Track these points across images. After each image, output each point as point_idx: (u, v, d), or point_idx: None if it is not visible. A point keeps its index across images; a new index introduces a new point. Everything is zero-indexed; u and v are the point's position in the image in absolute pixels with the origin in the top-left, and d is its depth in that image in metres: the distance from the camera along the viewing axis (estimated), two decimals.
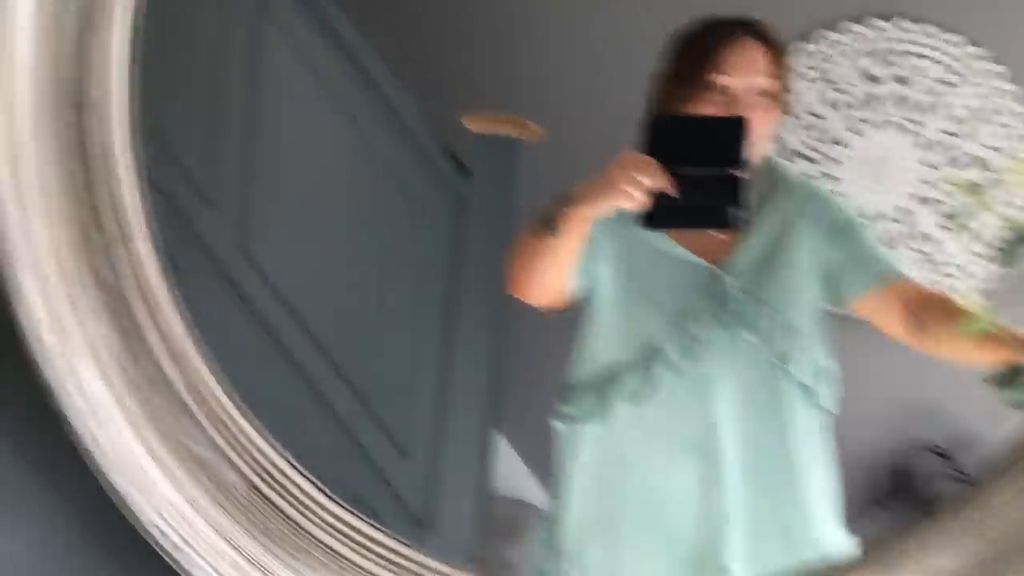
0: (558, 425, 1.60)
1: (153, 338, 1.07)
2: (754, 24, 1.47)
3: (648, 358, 1.45)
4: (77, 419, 1.06)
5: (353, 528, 1.22)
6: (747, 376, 1.45)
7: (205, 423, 1.12)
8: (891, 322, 1.55)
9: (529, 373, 2.73)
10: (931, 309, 1.49)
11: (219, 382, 1.15)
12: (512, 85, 2.92)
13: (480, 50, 2.99)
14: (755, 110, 1.41)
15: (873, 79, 2.82)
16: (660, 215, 1.25)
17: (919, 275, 2.80)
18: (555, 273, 1.43)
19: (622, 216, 1.43)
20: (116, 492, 1.11)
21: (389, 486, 2.18)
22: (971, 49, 2.71)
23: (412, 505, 2.17)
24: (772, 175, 1.57)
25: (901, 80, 2.78)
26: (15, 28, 0.94)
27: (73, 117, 0.99)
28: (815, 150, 2.93)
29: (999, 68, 2.70)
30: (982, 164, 2.74)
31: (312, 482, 1.22)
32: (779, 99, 1.51)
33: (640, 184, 1.21)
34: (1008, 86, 2.70)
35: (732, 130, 1.24)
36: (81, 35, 0.97)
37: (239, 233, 2.24)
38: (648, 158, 1.23)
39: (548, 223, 1.37)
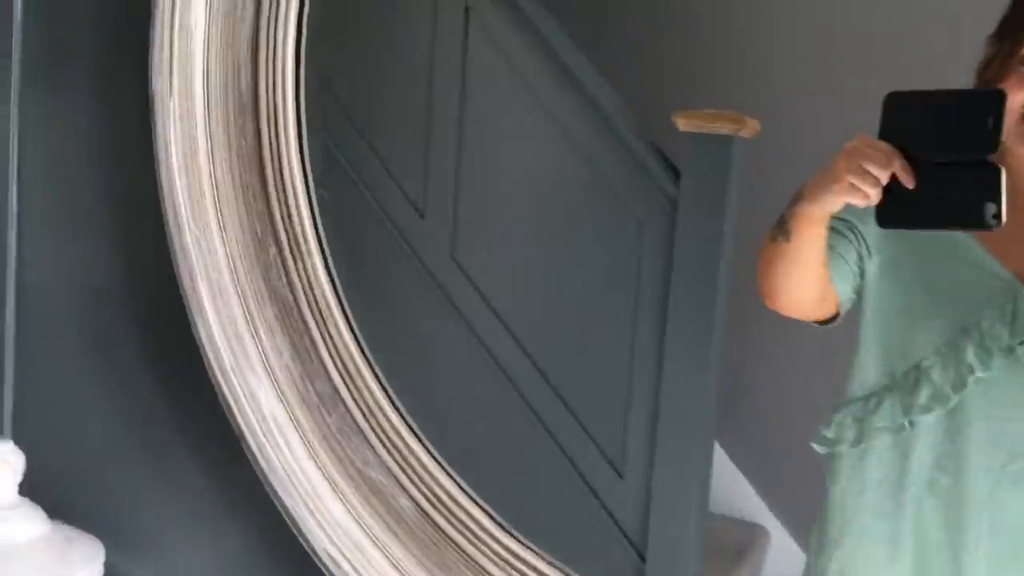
0: (817, 447, 1.39)
1: (326, 355, 1.04)
2: None
3: (913, 385, 1.26)
4: (251, 437, 1.04)
5: (526, 563, 1.13)
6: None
7: (377, 445, 1.08)
8: None
9: (750, 383, 2.59)
10: None
11: (392, 403, 1.09)
12: (725, 78, 2.80)
13: (693, 42, 2.88)
14: None
15: None
16: (898, 211, 1.03)
17: None
18: (800, 281, 1.22)
19: None
20: (290, 515, 1.08)
21: (604, 508, 2.10)
22: None
23: (628, 528, 2.08)
24: None
25: None
26: (191, 33, 0.93)
27: (249, 125, 0.97)
28: None
29: None
30: None
31: (486, 512, 1.14)
32: None
33: (870, 175, 0.99)
34: None
35: (987, 107, 0.98)
36: (255, 40, 0.95)
37: (450, 243, 2.24)
38: (883, 143, 1.01)
39: (780, 225, 1.18)
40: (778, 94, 2.66)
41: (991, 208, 0.97)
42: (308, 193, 1.04)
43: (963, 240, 1.22)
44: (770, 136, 2.02)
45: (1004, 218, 0.97)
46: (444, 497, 1.09)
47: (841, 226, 1.25)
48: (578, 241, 2.15)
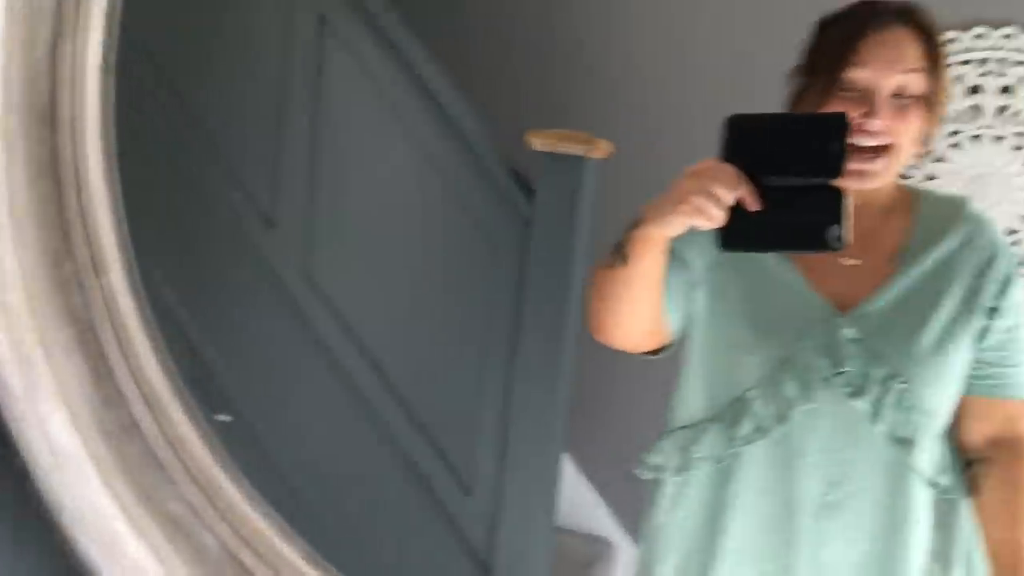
0: (642, 474, 1.37)
1: (126, 382, 0.96)
2: (909, 9, 1.16)
3: (735, 416, 1.24)
4: (42, 469, 0.95)
5: None
6: (852, 452, 1.20)
7: (181, 479, 1.01)
8: (969, 432, 1.25)
9: (602, 398, 2.63)
10: (1004, 457, 1.22)
11: (199, 432, 1.02)
12: (579, 99, 2.84)
13: (547, 65, 2.92)
14: (895, 113, 1.12)
15: (975, 90, 2.63)
16: (741, 234, 1.00)
17: None
18: (635, 309, 1.17)
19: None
20: (85, 556, 0.98)
21: (452, 523, 2.09)
22: None
23: (475, 544, 2.07)
24: (921, 196, 1.26)
25: (1006, 90, 2.59)
26: None
27: (45, 135, 0.89)
28: (911, 167, 2.75)
29: None
30: None
31: (298, 550, 1.08)
32: (929, 103, 1.15)
33: (717, 197, 0.97)
34: None
35: (832, 131, 0.97)
36: (55, 44, 0.87)
37: (302, 255, 2.19)
38: (728, 166, 0.99)
39: (617, 250, 1.13)
40: (631, 116, 2.72)
41: (835, 230, 0.97)
42: (114, 207, 0.96)
43: (785, 269, 1.21)
44: (622, 157, 2.06)
45: (848, 240, 0.97)
46: (251, 535, 1.03)
47: (671, 255, 1.20)
48: (432, 257, 2.14)
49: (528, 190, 2.01)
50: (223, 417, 2.23)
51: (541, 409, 2.02)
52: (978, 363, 1.21)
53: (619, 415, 2.63)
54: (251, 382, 2.23)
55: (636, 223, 1.09)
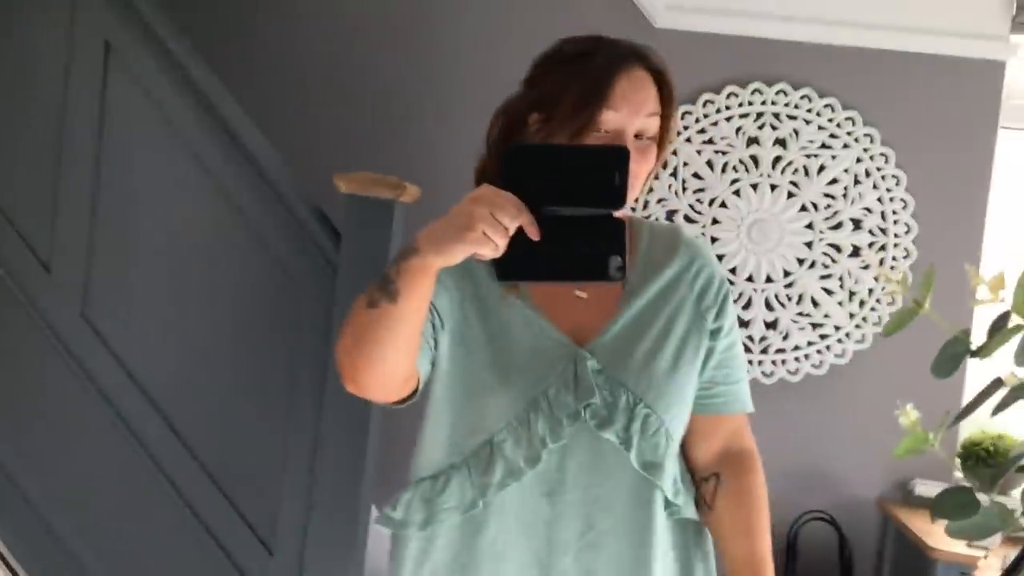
0: (383, 528, 1.29)
1: None
2: (645, 52, 1.18)
3: (485, 462, 1.19)
4: None
5: None
6: (604, 486, 1.20)
7: None
8: (699, 451, 1.29)
9: (411, 447, 2.58)
10: (732, 471, 1.28)
11: None
12: (386, 141, 2.82)
13: (352, 107, 2.87)
14: (636, 154, 1.12)
15: (753, 142, 2.82)
16: (520, 264, 0.97)
17: (800, 338, 2.79)
18: (396, 352, 1.08)
19: (467, 270, 1.17)
20: None
21: None
22: (847, 113, 2.75)
23: None
24: (643, 227, 1.30)
25: (781, 142, 2.79)
26: None
27: None
28: (696, 211, 2.90)
29: (873, 131, 2.74)
30: (859, 226, 2.77)
31: None
32: (661, 145, 1.18)
33: (498, 225, 0.93)
34: (882, 148, 2.74)
35: (613, 163, 0.96)
36: None
37: (81, 303, 2.01)
38: (508, 194, 0.94)
39: (384, 286, 1.04)
40: (440, 160, 2.71)
41: (616, 261, 0.96)
42: None
43: (524, 307, 1.20)
44: (431, 201, 2.04)
45: (626, 271, 0.97)
46: None
47: None
48: (231, 302, 2.02)
49: (335, 234, 1.94)
50: None
51: (348, 462, 1.94)
52: (705, 383, 1.27)
53: None
54: (25, 441, 2.02)
55: (406, 255, 1.02)
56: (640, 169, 1.16)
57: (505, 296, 1.20)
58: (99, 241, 2.01)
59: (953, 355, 0.69)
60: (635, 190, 1.18)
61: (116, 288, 2.04)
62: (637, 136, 1.15)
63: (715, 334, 1.25)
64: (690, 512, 1.25)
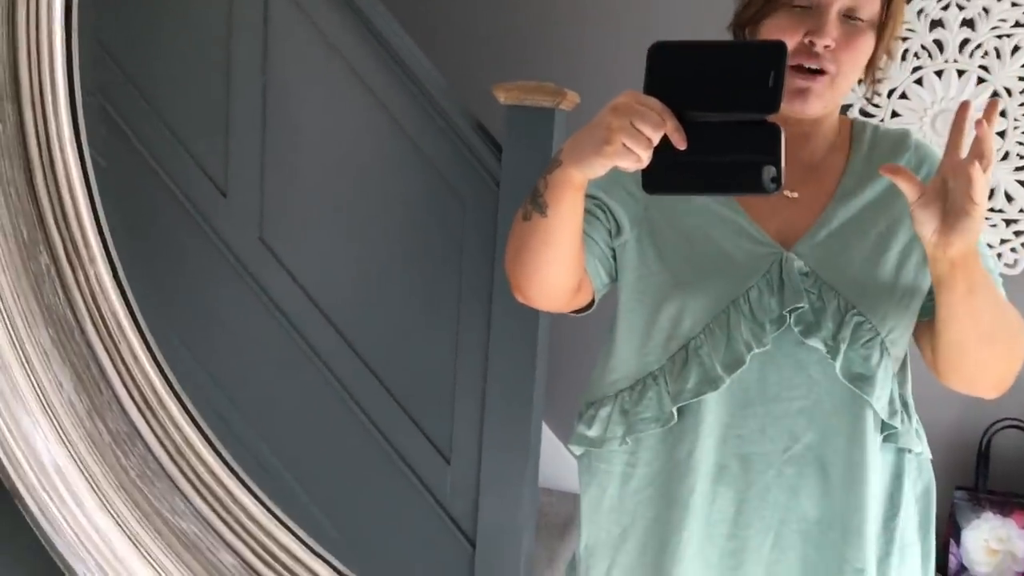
0: (575, 449, 1.25)
1: (119, 386, 0.86)
2: None
3: (680, 368, 1.13)
4: (27, 492, 0.84)
5: None
6: (809, 398, 1.12)
7: (189, 490, 0.92)
8: (925, 355, 1.18)
9: (578, 358, 2.58)
10: None
11: (205, 439, 0.93)
12: (545, 50, 2.76)
13: (507, 16, 2.82)
14: (843, 36, 1.04)
15: (938, 24, 2.60)
16: (666, 175, 0.91)
17: (992, 236, 2.60)
18: (557, 264, 1.06)
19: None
20: None
21: (433, 495, 2.03)
22: None
23: (457, 514, 2.02)
24: (866, 129, 1.18)
25: (968, 23, 2.56)
26: None
27: (9, 109, 0.78)
28: (874, 104, 2.72)
29: None
30: None
31: (328, 563, 0.99)
32: (880, 30, 1.07)
33: (643, 136, 0.87)
34: None
35: (767, 62, 0.87)
36: (10, 9, 0.76)
37: (258, 225, 2.09)
38: (652, 99, 0.88)
39: (534, 199, 1.02)
40: (596, 67, 2.64)
41: (770, 171, 0.88)
42: (89, 192, 0.85)
43: (724, 203, 1.13)
44: (591, 109, 1.98)
45: (783, 182, 0.89)
46: (276, 549, 0.94)
47: (588, 203, 1.11)
48: (398, 220, 2.04)
49: (496, 146, 1.92)
50: None
51: (517, 373, 1.96)
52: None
53: (589, 374, 2.58)
54: (213, 361, 2.13)
55: (551, 167, 1.00)
56: (847, 54, 1.06)
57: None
58: (270, 165, 2.07)
59: None
60: (844, 81, 1.08)
61: (289, 211, 2.10)
62: (848, 16, 1.06)
63: None
64: (911, 442, 1.15)
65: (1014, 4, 2.53)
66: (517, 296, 1.14)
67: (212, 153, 2.09)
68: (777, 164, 0.88)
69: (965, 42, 2.56)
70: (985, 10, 2.54)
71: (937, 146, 2.62)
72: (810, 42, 1.04)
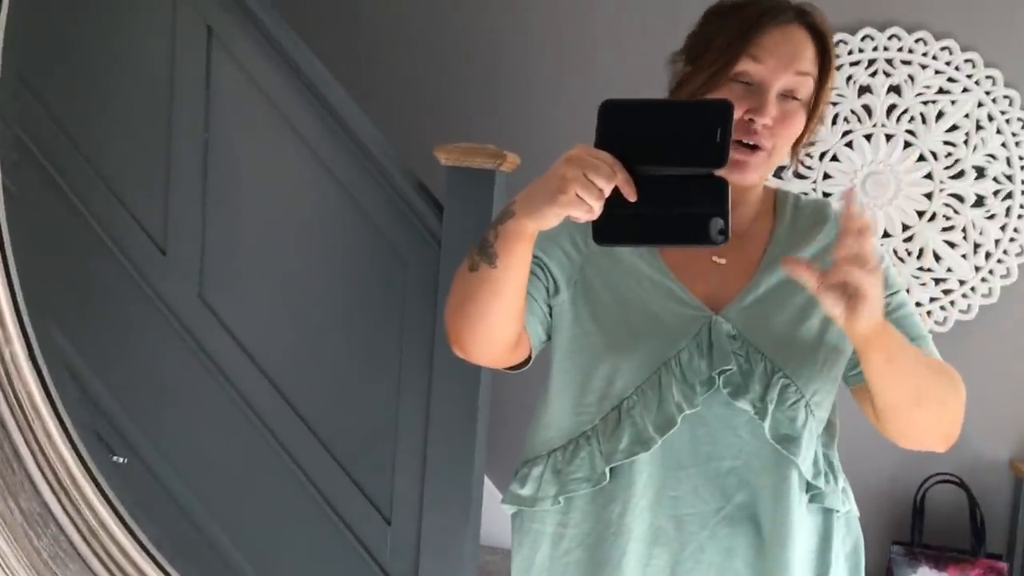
0: (508, 508, 1.24)
1: (32, 466, 0.84)
2: (808, 10, 1.12)
3: (612, 428, 1.14)
4: None
5: None
6: (739, 458, 1.14)
7: (100, 570, 0.89)
8: (869, 415, 1.18)
9: (520, 414, 2.58)
10: None
11: (119, 518, 0.91)
12: (487, 113, 2.80)
13: (450, 79, 2.86)
14: (780, 114, 1.09)
15: (865, 90, 2.70)
16: (617, 226, 0.92)
17: (922, 295, 2.67)
18: (501, 316, 1.07)
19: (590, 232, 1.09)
20: None
21: (374, 556, 2.00)
22: (966, 55, 2.60)
23: (397, 575, 2.00)
24: (788, 199, 1.23)
25: (895, 89, 2.66)
26: None
27: None
28: (806, 166, 2.80)
29: (995, 72, 2.59)
30: (982, 174, 2.62)
31: None
32: (811, 108, 1.13)
33: (592, 186, 0.89)
34: (1005, 91, 2.58)
35: (715, 119, 0.90)
36: None
37: (197, 283, 2.07)
38: (605, 154, 0.91)
39: (483, 249, 1.03)
40: (538, 127, 2.68)
41: (717, 223, 0.91)
42: (7, 271, 0.83)
43: (655, 268, 1.15)
44: (531, 170, 2.01)
45: (730, 234, 0.91)
46: None
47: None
48: (338, 279, 2.05)
49: (438, 207, 1.94)
50: (118, 459, 2.09)
51: (459, 431, 1.96)
52: None
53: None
54: (149, 421, 2.10)
55: (503, 217, 1.00)
56: (783, 131, 1.09)
57: (633, 259, 1.15)
58: (211, 223, 2.06)
59: None
60: (777, 155, 1.11)
61: (229, 268, 2.09)
62: (785, 96, 1.09)
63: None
64: (836, 502, 1.16)
65: (937, 72, 2.63)
66: (455, 350, 1.14)
67: (151, 209, 2.07)
68: (725, 216, 0.91)
69: (892, 107, 2.66)
70: (911, 77, 2.65)
71: (869, 208, 2.69)
72: (750, 119, 1.08)
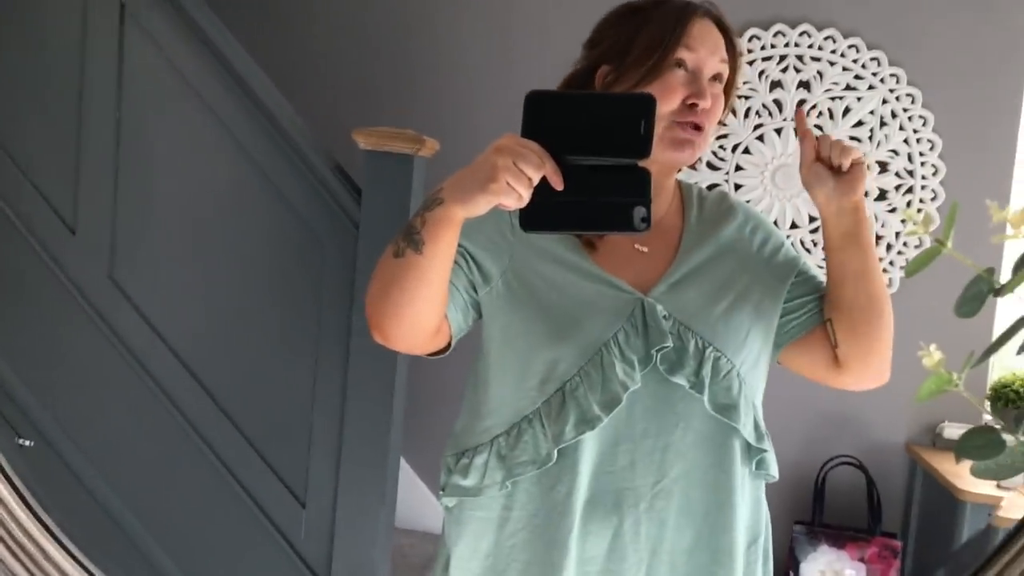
0: (447, 501, 1.26)
1: None
2: (709, 6, 1.21)
3: (557, 410, 1.18)
4: None
5: None
6: (674, 433, 1.18)
7: (1, 550, 0.88)
8: (817, 362, 1.26)
9: (435, 397, 2.60)
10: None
11: (19, 497, 0.89)
12: (406, 98, 2.80)
13: (367, 62, 2.85)
14: (713, 97, 1.16)
15: (777, 84, 2.77)
16: (544, 213, 0.95)
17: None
18: (424, 303, 1.09)
19: (514, 222, 1.14)
20: None
21: (285, 539, 2.00)
22: (872, 53, 2.70)
23: (310, 558, 2.00)
24: (693, 190, 1.30)
25: (805, 85, 2.75)
26: None
27: None
28: (720, 157, 2.87)
29: (899, 71, 2.69)
30: (885, 169, 2.73)
31: None
32: (728, 92, 1.20)
33: (522, 175, 0.93)
34: (908, 89, 2.69)
35: (639, 111, 0.94)
36: None
37: (107, 263, 2.03)
38: (533, 143, 0.94)
39: (409, 235, 1.05)
40: (456, 113, 2.69)
41: (640, 211, 0.95)
42: None
43: (580, 258, 1.20)
44: (450, 155, 2.03)
45: (652, 222, 0.96)
46: None
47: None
48: (254, 260, 2.03)
49: (356, 190, 1.94)
50: (24, 442, 2.04)
51: (375, 414, 1.97)
52: (799, 298, 1.25)
53: (453, 412, 2.61)
54: (57, 402, 2.05)
55: (430, 204, 1.02)
56: (715, 115, 1.17)
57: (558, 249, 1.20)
58: (122, 202, 2.03)
59: (976, 294, 0.68)
60: (710, 137, 1.19)
61: (141, 249, 2.06)
62: (713, 80, 1.16)
63: (792, 266, 1.26)
64: (772, 467, 1.23)
65: (845, 69, 2.73)
66: (376, 336, 1.16)
67: (60, 189, 2.03)
68: (647, 205, 0.95)
69: (802, 102, 2.75)
70: (820, 74, 2.73)
71: (778, 199, 2.77)
72: (692, 104, 1.14)
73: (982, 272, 0.69)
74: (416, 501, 2.74)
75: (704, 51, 1.15)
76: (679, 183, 1.29)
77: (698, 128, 1.15)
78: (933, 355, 0.71)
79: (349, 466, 1.98)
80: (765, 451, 1.21)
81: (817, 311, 1.25)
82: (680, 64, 1.15)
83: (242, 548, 2.02)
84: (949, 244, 0.67)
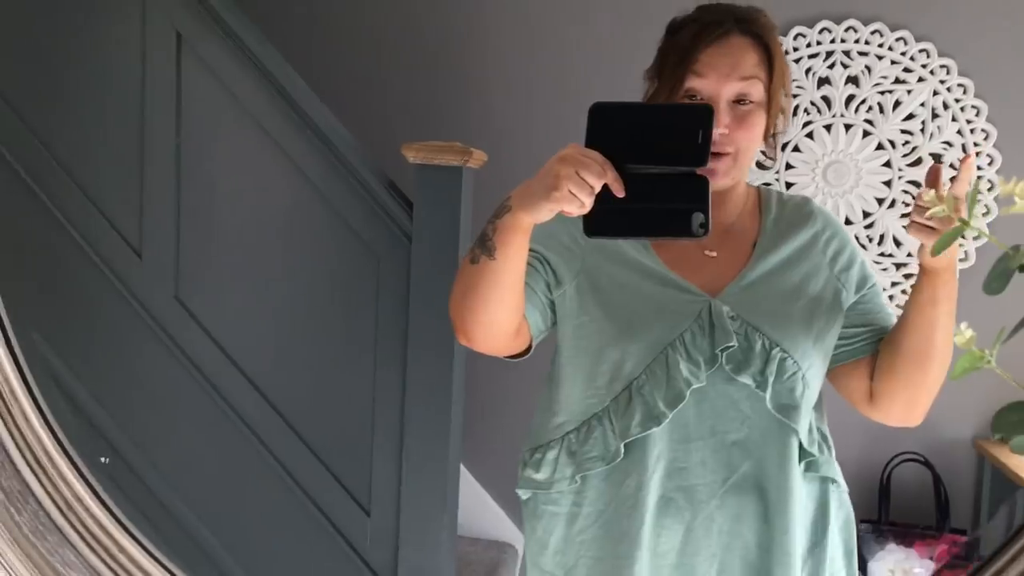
0: (522, 493, 1.32)
1: (11, 446, 0.89)
2: (748, 16, 1.22)
3: (624, 407, 1.22)
4: None
5: None
6: (741, 431, 1.22)
7: (78, 543, 0.94)
8: (853, 390, 1.29)
9: (496, 404, 2.64)
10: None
11: (94, 493, 0.95)
12: (454, 112, 2.85)
13: (416, 77, 2.91)
14: (736, 120, 1.18)
15: (825, 81, 2.77)
16: (606, 220, 1.01)
17: (884, 279, 2.75)
18: (501, 307, 1.14)
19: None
20: None
21: (352, 547, 2.05)
22: (921, 45, 2.67)
23: (377, 565, 2.05)
24: (772, 196, 1.33)
25: (853, 80, 2.74)
26: None
27: None
28: (769, 157, 2.86)
29: (949, 61, 2.66)
30: (939, 161, 2.70)
31: None
32: (767, 107, 1.21)
33: (584, 183, 0.97)
34: (959, 79, 2.66)
35: (698, 121, 0.99)
36: None
37: (173, 285, 2.11)
38: (594, 152, 0.99)
39: (482, 242, 1.11)
40: (504, 125, 2.73)
41: (698, 218, 0.99)
42: None
43: (651, 261, 1.24)
44: (498, 167, 2.07)
45: (710, 228, 0.99)
46: None
47: (528, 255, 1.18)
48: (312, 277, 2.09)
49: (408, 203, 1.99)
50: (102, 459, 2.12)
51: (435, 422, 2.01)
52: (854, 327, 1.27)
53: (509, 419, 2.64)
54: (132, 422, 2.13)
55: (500, 212, 1.08)
56: (742, 134, 1.19)
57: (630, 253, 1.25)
58: (185, 225, 2.10)
59: (1003, 271, 0.69)
60: (745, 156, 1.21)
61: (205, 270, 2.13)
62: (737, 102, 1.18)
63: (860, 287, 1.28)
64: (832, 471, 1.27)
65: (893, 62, 2.70)
66: (460, 338, 1.22)
67: (126, 213, 2.11)
68: (705, 211, 0.99)
69: (851, 98, 2.73)
70: (868, 68, 2.72)
71: (830, 196, 2.75)
72: None
73: (1009, 250, 0.70)
74: (480, 509, 2.77)
75: (716, 76, 1.17)
76: (758, 189, 1.32)
77: (718, 154, 1.17)
78: (964, 333, 0.72)
79: (410, 474, 2.02)
80: (813, 456, 1.24)
81: (871, 343, 1.27)
82: (692, 95, 1.18)
83: (310, 557, 2.07)
84: (972, 224, 0.68)
